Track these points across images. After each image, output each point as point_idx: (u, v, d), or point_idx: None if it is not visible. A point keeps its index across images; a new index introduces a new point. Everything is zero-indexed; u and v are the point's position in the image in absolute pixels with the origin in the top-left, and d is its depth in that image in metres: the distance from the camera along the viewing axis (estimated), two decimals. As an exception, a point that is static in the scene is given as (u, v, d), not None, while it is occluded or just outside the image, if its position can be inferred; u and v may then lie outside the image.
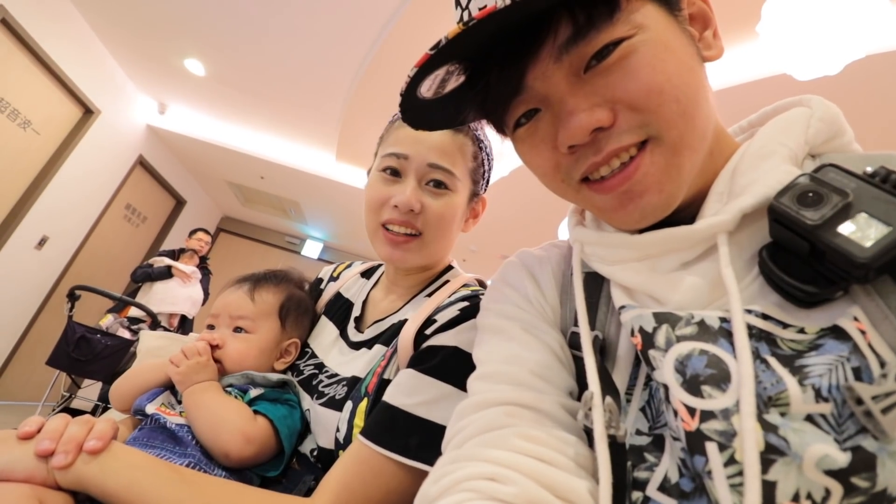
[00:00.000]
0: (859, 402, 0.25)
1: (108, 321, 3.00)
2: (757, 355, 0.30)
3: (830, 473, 0.25)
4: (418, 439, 0.51)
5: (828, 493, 0.25)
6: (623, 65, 0.34)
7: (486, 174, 0.74)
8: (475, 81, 0.40)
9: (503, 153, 2.44)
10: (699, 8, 0.40)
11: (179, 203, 4.95)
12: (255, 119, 3.77)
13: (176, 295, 3.42)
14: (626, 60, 0.34)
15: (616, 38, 0.34)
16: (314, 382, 0.68)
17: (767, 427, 0.27)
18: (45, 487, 0.43)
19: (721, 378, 0.30)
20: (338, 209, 4.92)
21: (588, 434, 0.38)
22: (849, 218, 0.28)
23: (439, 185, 0.66)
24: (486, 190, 0.76)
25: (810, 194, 0.30)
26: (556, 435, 0.36)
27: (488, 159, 0.73)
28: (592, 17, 0.34)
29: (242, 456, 0.56)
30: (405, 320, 0.65)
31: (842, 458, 0.25)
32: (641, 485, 0.33)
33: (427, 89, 0.39)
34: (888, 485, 0.24)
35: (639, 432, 0.35)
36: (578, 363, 0.43)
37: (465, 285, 0.70)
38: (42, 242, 3.28)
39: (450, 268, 0.76)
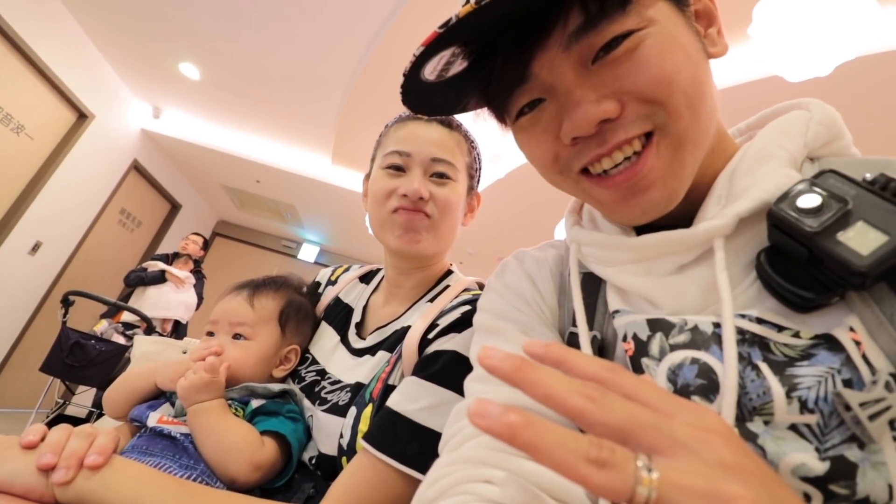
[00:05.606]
0: (847, 408, 0.26)
1: (102, 326, 2.96)
2: (749, 361, 0.30)
3: (807, 480, 0.26)
4: (417, 447, 0.51)
5: (808, 497, 0.26)
6: (632, 56, 0.34)
7: (479, 171, 0.78)
8: (480, 66, 0.39)
9: (500, 156, 2.44)
10: (704, 5, 0.40)
11: (174, 207, 4.92)
12: (250, 123, 3.75)
13: (169, 300, 3.36)
14: (636, 52, 0.34)
15: (626, 31, 0.34)
16: (316, 389, 0.68)
17: (747, 435, 0.28)
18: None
19: (710, 388, 0.31)
20: (334, 212, 4.90)
21: None
22: (848, 225, 0.29)
23: (442, 175, 0.69)
24: (478, 187, 0.80)
25: None
26: None
27: (479, 157, 0.78)
28: (605, 8, 0.33)
29: (249, 482, 0.55)
30: (408, 327, 0.65)
31: (819, 467, 0.26)
32: None
33: (430, 72, 0.39)
34: (870, 493, 0.25)
35: None
36: None
37: (466, 290, 0.70)
38: (36, 248, 3.25)
39: (450, 272, 0.76)
